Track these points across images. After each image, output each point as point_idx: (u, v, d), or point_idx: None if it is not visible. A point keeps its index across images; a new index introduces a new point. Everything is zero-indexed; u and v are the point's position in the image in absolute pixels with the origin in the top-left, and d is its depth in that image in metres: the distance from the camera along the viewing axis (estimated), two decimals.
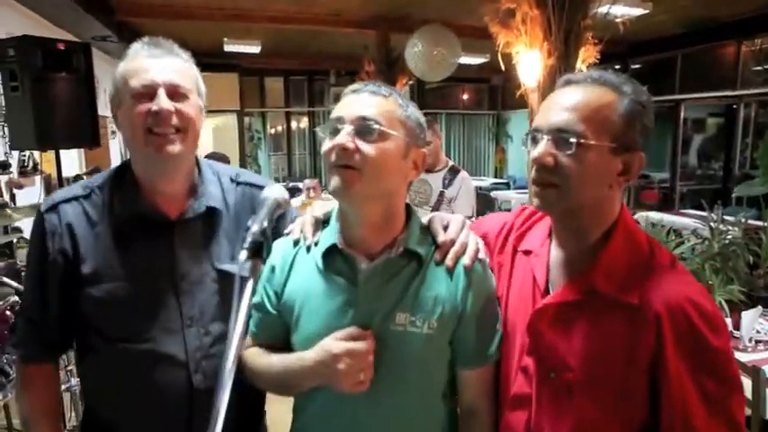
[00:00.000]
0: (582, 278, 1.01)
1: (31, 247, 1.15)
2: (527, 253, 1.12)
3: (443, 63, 5.77)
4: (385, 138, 1.00)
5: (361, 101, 1.02)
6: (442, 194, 3.28)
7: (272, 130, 10.47)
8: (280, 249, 1.14)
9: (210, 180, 1.22)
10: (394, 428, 1.06)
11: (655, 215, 5.07)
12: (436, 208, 3.25)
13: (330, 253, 1.07)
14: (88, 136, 3.77)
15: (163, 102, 1.07)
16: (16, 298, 1.77)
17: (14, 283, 2.23)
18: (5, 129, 4.38)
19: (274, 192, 0.97)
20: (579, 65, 3.43)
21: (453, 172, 3.36)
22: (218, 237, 1.19)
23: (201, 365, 1.14)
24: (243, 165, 9.54)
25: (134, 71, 1.09)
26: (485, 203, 7.21)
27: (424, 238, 1.10)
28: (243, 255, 0.86)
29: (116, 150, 8.26)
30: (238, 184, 1.26)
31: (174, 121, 1.09)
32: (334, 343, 0.98)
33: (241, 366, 1.11)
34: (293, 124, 10.44)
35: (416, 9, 6.17)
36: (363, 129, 0.99)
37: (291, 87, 10.29)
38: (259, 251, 0.88)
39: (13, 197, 4.43)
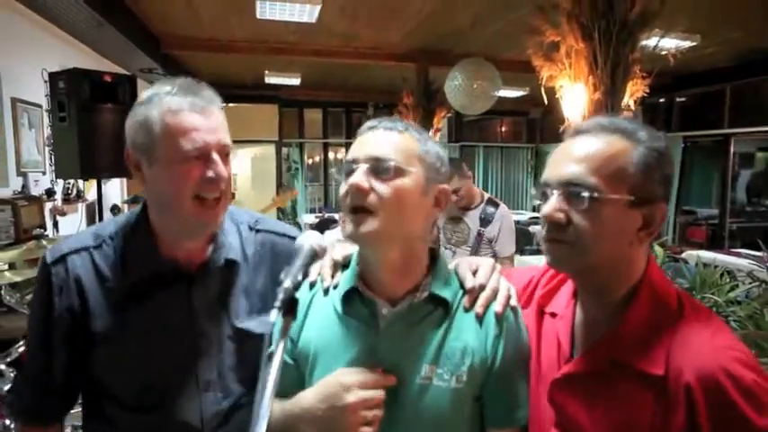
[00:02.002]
0: (602, 346, 0.91)
1: (36, 302, 1.06)
2: (553, 315, 1.03)
3: (483, 96, 5.71)
4: (402, 175, 0.94)
5: (376, 138, 0.97)
6: (480, 234, 3.08)
7: (310, 161, 10.57)
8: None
9: (229, 230, 1.14)
10: None
11: (706, 254, 4.80)
12: (475, 248, 3.08)
13: (350, 296, 1.00)
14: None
15: (220, 168, 1.00)
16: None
17: None
18: (52, 158, 4.50)
19: (311, 239, 0.88)
20: (627, 99, 3.30)
21: (491, 206, 3.15)
22: (237, 291, 1.11)
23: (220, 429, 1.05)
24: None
25: (182, 129, 0.99)
26: (523, 238, 7.04)
27: (451, 283, 1.02)
28: (274, 314, 0.77)
29: None
30: (258, 231, 1.18)
31: (222, 185, 1.02)
32: (348, 393, 0.88)
33: None
34: (330, 155, 10.52)
35: (457, 42, 6.16)
36: (378, 167, 0.94)
37: (330, 119, 10.41)
38: (293, 308, 0.79)
39: (56, 224, 4.52)
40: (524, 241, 7.09)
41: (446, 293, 0.99)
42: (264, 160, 9.87)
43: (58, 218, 4.55)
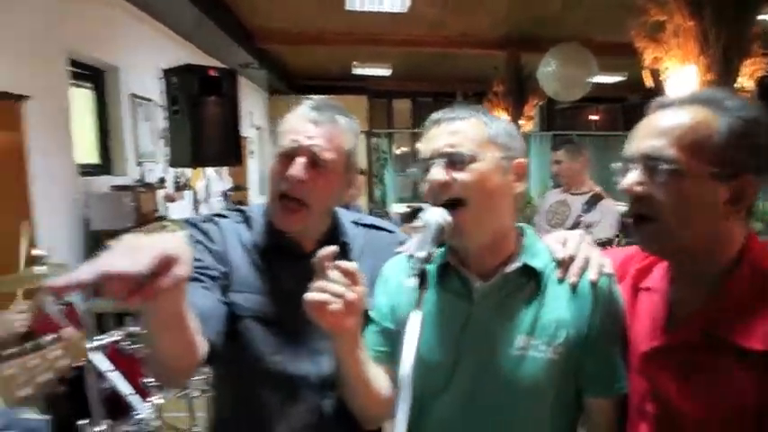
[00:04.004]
0: (698, 319, 0.89)
1: (196, 240, 1.16)
2: (647, 290, 1.01)
3: (578, 82, 5.50)
4: (477, 161, 0.97)
5: (444, 131, 1.00)
6: (579, 218, 3.09)
7: (398, 151, 10.66)
8: (393, 265, 1.13)
9: (343, 222, 1.24)
10: None
11: None
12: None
13: (443, 271, 1.03)
14: (233, 155, 4.09)
15: (295, 169, 1.07)
16: None
17: None
18: (163, 148, 4.87)
19: (436, 215, 0.92)
20: (743, 80, 3.06)
21: (595, 199, 3.15)
22: None
23: (331, 393, 1.12)
24: (369, 185, 9.80)
25: (288, 129, 1.11)
26: (620, 229, 6.74)
27: (541, 256, 1.03)
28: (411, 282, 0.83)
29: (254, 169, 8.88)
30: (363, 226, 1.26)
31: (301, 192, 1.09)
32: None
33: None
34: (419, 145, 10.54)
35: (550, 28, 5.96)
36: (453, 158, 0.97)
37: (418, 109, 10.43)
38: (424, 279, 0.83)
39: (166, 210, 4.89)
40: (622, 231, 6.78)
41: (537, 263, 1.01)
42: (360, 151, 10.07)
43: (168, 204, 4.91)
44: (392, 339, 1.05)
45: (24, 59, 3.12)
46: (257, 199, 8.06)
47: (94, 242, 3.61)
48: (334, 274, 0.89)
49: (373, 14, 5.46)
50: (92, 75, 4.19)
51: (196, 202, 5.65)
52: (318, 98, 1.18)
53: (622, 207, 2.78)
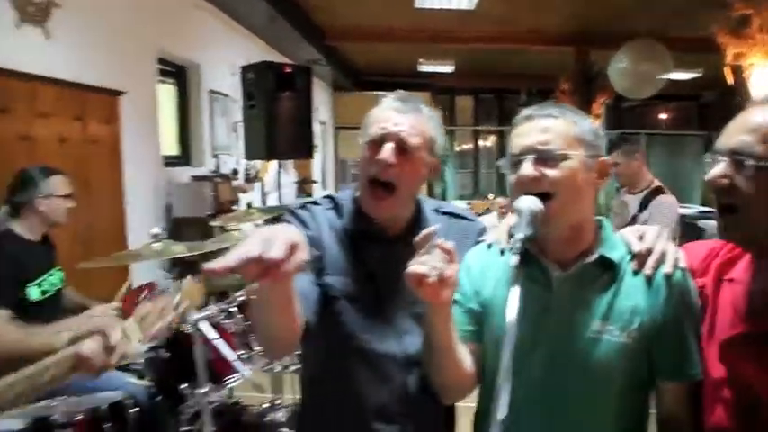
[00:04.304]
0: None
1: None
2: (730, 281, 1.03)
3: (651, 80, 5.34)
4: (566, 158, 1.01)
5: (536, 128, 1.03)
6: (634, 219, 3.05)
7: (459, 148, 10.64)
8: (475, 253, 1.19)
9: (425, 210, 1.30)
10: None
11: None
12: None
13: (523, 260, 1.06)
14: (305, 149, 4.23)
15: (385, 153, 1.14)
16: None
17: None
18: (239, 142, 5.09)
19: (529, 203, 0.98)
20: None
21: (653, 194, 3.09)
22: None
23: (416, 370, 1.18)
24: (429, 181, 9.82)
25: (375, 119, 1.19)
26: (691, 233, 6.47)
27: (618, 248, 1.08)
28: (514, 260, 0.90)
29: (318, 163, 9.10)
30: (443, 214, 1.32)
31: (390, 176, 1.15)
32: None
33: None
34: (480, 143, 10.50)
35: (622, 23, 5.81)
36: (543, 156, 1.01)
37: (480, 106, 10.37)
38: (523, 257, 0.91)
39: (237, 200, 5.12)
40: (693, 236, 6.53)
41: (614, 256, 1.05)
42: None
43: (240, 195, 5.14)
44: (476, 319, 1.12)
45: (119, 57, 3.36)
46: (322, 192, 8.26)
47: (176, 228, 3.84)
48: (434, 251, 0.96)
49: (441, 12, 5.50)
50: (175, 72, 4.45)
51: (264, 194, 5.88)
52: (401, 92, 1.23)
53: (683, 211, 2.71)
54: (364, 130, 1.21)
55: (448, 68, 8.45)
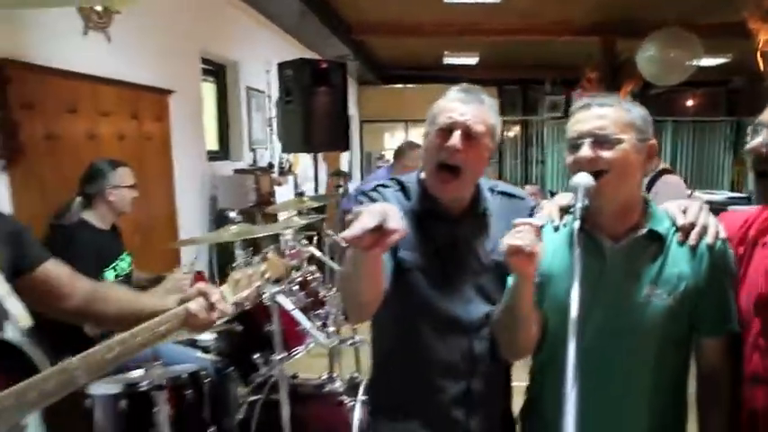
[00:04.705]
0: None
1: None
2: (764, 245, 1.17)
3: (679, 67, 5.37)
4: (620, 142, 1.15)
5: (593, 115, 1.18)
6: None
7: None
8: None
9: (484, 190, 1.44)
10: (629, 387, 1.19)
11: None
12: None
13: (579, 234, 1.21)
14: (341, 142, 4.39)
15: (454, 139, 1.28)
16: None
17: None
18: (273, 136, 5.28)
19: (583, 179, 1.13)
20: None
21: (659, 174, 3.06)
22: (488, 231, 1.39)
23: (480, 334, 1.34)
24: None
25: (442, 110, 1.31)
26: None
27: (664, 222, 1.22)
28: (577, 224, 1.07)
29: (344, 155, 9.27)
30: (497, 193, 1.46)
31: (458, 160, 1.29)
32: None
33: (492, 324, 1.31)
34: (504, 133, 10.55)
35: (649, 12, 5.83)
36: (600, 139, 1.15)
37: (505, 97, 10.42)
38: (583, 223, 1.08)
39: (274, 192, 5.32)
40: None
41: (661, 229, 1.20)
42: None
43: (275, 187, 5.34)
44: (536, 289, 1.24)
45: (168, 58, 3.56)
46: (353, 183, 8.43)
47: (220, 219, 4.05)
48: (526, 228, 1.10)
49: (468, 5, 5.59)
50: (214, 70, 4.64)
51: (296, 185, 6.07)
52: (464, 85, 1.37)
53: (708, 196, 2.74)
54: (431, 120, 1.34)
55: (472, 60, 8.53)
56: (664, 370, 1.21)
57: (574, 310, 0.99)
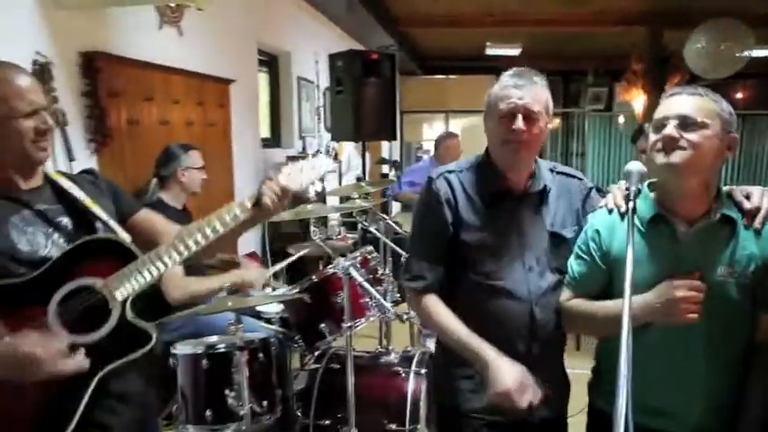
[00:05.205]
0: None
1: (425, 200, 1.56)
2: None
3: (729, 59, 5.30)
4: (704, 127, 1.24)
5: (681, 101, 1.28)
6: None
7: None
8: (599, 217, 1.44)
9: (543, 170, 1.56)
10: (705, 360, 1.30)
11: None
12: None
13: (654, 221, 1.33)
14: (389, 131, 4.53)
15: (519, 123, 1.42)
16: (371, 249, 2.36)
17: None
18: (320, 125, 5.46)
19: (636, 166, 1.26)
20: None
21: None
22: (549, 208, 1.52)
23: (540, 302, 1.48)
24: None
25: (502, 97, 1.44)
26: None
27: (734, 207, 1.31)
28: (630, 205, 1.21)
29: (386, 145, 9.40)
30: (557, 173, 1.59)
31: (524, 137, 1.43)
32: (679, 289, 1.23)
33: (568, 314, 1.45)
34: None
35: (699, 1, 5.75)
36: (685, 122, 1.24)
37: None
38: (635, 202, 1.22)
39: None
40: None
41: (734, 215, 1.29)
42: (478, 129, 10.24)
43: None
44: (604, 276, 1.40)
45: (230, 49, 3.77)
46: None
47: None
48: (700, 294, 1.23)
49: None
50: (268, 60, 4.84)
51: (341, 173, 6.25)
52: (516, 69, 1.49)
53: None
54: (491, 108, 1.48)
55: (515, 51, 8.51)
56: (737, 342, 1.32)
57: (628, 284, 1.10)
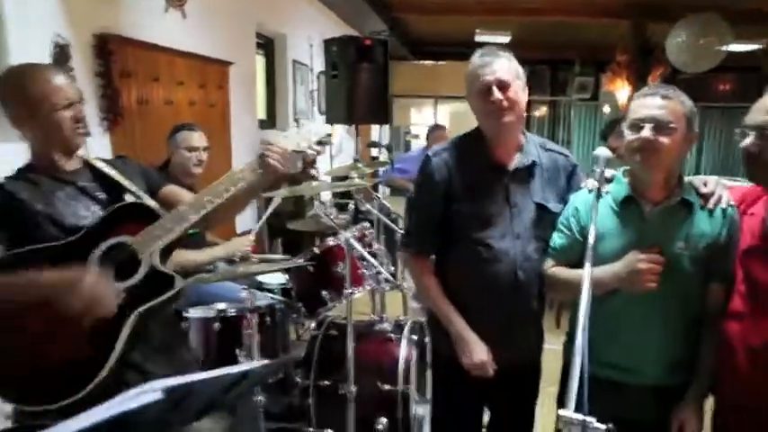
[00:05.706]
0: None
1: (424, 175, 1.75)
2: (751, 214, 1.49)
3: (710, 53, 5.51)
4: (676, 131, 1.46)
5: (655, 104, 1.46)
6: None
7: None
8: (580, 197, 1.65)
9: (531, 145, 1.74)
10: (665, 321, 1.51)
11: None
12: None
13: (626, 202, 1.55)
14: (381, 115, 4.69)
15: (496, 94, 1.60)
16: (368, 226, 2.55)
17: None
18: (314, 108, 5.58)
19: (603, 152, 1.44)
20: None
21: None
22: (536, 182, 1.72)
23: (524, 265, 1.68)
24: None
25: (476, 75, 1.63)
26: None
27: (692, 192, 1.54)
28: (595, 184, 1.43)
29: (375, 129, 9.54)
30: (546, 150, 1.77)
31: (505, 104, 1.61)
32: (641, 261, 1.43)
33: (549, 280, 1.65)
34: (531, 113, 10.68)
35: None
36: (660, 126, 1.44)
37: (534, 77, 10.51)
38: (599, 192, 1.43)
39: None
40: None
41: (692, 198, 1.53)
42: (466, 115, 10.39)
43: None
44: (582, 248, 1.54)
45: (229, 32, 3.88)
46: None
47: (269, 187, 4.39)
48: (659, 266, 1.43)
49: None
50: (264, 43, 4.94)
51: (332, 156, 6.40)
52: (481, 50, 1.68)
53: (733, 184, 2.99)
54: (469, 89, 1.66)
55: (504, 39, 8.65)
56: (690, 307, 1.54)
57: (589, 250, 1.32)
